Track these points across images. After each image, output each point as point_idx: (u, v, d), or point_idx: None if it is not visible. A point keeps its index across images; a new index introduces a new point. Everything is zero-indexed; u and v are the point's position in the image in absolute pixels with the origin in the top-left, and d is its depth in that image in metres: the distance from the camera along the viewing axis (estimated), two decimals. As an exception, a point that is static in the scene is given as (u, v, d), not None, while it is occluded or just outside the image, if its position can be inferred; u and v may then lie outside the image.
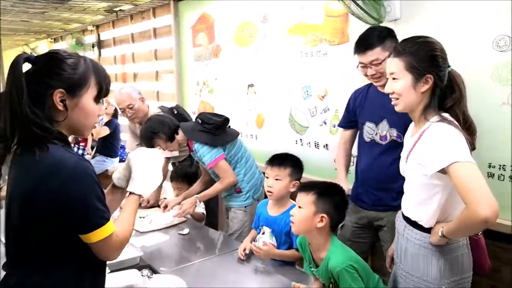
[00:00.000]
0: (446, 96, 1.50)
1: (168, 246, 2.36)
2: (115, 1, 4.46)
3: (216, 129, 2.67)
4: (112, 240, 1.19)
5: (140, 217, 2.68)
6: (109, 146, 5.06)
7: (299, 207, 1.73)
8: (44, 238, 1.16)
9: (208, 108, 4.06)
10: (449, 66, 1.50)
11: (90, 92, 1.23)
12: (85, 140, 5.46)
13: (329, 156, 2.90)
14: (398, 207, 1.70)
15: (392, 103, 1.56)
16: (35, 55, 1.22)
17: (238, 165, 2.76)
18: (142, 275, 1.82)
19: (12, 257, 1.23)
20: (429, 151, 1.41)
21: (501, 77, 1.97)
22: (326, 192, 1.73)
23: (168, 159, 3.13)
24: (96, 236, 1.16)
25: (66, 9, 4.82)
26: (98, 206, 1.17)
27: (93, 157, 5.11)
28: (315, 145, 3.01)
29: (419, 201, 1.52)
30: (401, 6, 2.30)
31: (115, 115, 5.07)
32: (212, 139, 2.65)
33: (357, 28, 2.49)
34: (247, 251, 2.14)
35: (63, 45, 6.83)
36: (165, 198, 3.04)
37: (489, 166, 2.03)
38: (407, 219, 1.59)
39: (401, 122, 1.92)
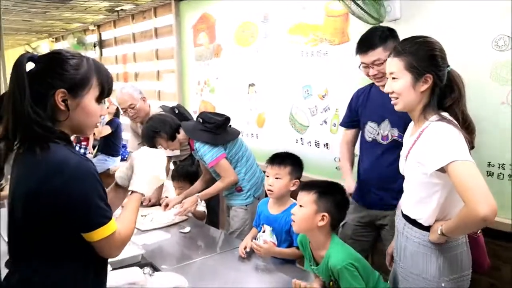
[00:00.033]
0: (446, 95, 1.50)
1: (170, 244, 2.38)
2: (117, 0, 4.47)
3: (217, 128, 2.69)
4: (114, 239, 1.20)
5: (142, 216, 2.70)
6: (110, 145, 5.08)
7: (300, 206, 1.74)
8: (47, 236, 1.17)
9: (209, 107, 4.07)
10: (448, 66, 1.51)
11: (92, 93, 1.24)
12: (87, 139, 5.47)
13: (330, 155, 2.91)
14: None
15: (392, 102, 1.57)
16: (39, 54, 1.23)
17: (239, 164, 2.78)
18: (143, 273, 1.83)
19: (15, 254, 1.24)
20: (429, 150, 1.42)
21: (500, 77, 1.98)
22: (327, 191, 1.74)
23: (169, 158, 3.14)
24: (98, 234, 1.17)
25: (67, 9, 4.83)
26: (100, 205, 1.17)
27: (95, 156, 5.13)
28: (316, 144, 3.02)
29: (418, 199, 1.53)
30: (401, 6, 2.31)
31: (116, 114, 5.08)
32: (213, 138, 2.67)
33: (358, 28, 2.50)
34: (248, 249, 2.15)
35: (64, 45, 6.84)
36: (166, 197, 3.05)
37: (489, 165, 2.04)
38: (406, 218, 1.60)
39: (403, 122, 1.93)
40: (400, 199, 1.73)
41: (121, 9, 4.93)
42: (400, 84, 1.51)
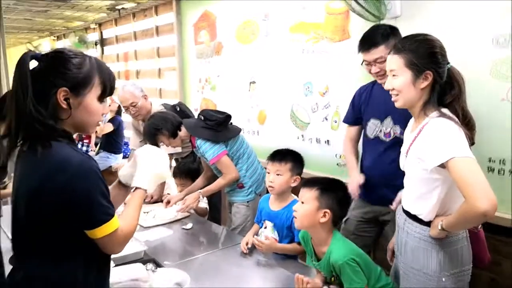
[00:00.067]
0: (446, 92, 1.51)
1: (172, 241, 2.39)
2: (118, -1, 4.49)
3: (218, 126, 2.70)
4: (117, 235, 1.21)
5: (144, 212, 2.71)
6: (112, 142, 5.09)
7: (302, 202, 1.75)
8: (50, 233, 1.18)
9: (211, 105, 4.08)
10: (448, 63, 1.51)
11: (94, 92, 1.24)
12: (89, 137, 5.48)
13: (330, 152, 2.92)
14: None
15: (392, 99, 1.58)
16: (42, 53, 1.23)
17: (240, 160, 2.79)
18: (146, 269, 1.84)
19: (19, 251, 1.25)
20: (429, 146, 1.43)
21: (500, 74, 1.99)
22: (329, 188, 1.75)
23: (171, 155, 3.16)
24: (101, 231, 1.17)
25: (68, 7, 4.84)
26: (103, 203, 1.18)
27: (97, 153, 5.15)
28: (317, 141, 3.03)
29: (419, 195, 1.54)
30: (401, 3, 2.31)
31: (118, 112, 5.10)
32: (214, 135, 2.68)
33: (358, 25, 2.51)
34: (250, 245, 2.16)
35: (66, 43, 6.85)
36: (168, 194, 3.06)
37: (489, 161, 2.05)
38: (407, 213, 1.60)
39: (405, 119, 1.93)
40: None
41: (122, 8, 4.94)
42: (400, 81, 1.52)
